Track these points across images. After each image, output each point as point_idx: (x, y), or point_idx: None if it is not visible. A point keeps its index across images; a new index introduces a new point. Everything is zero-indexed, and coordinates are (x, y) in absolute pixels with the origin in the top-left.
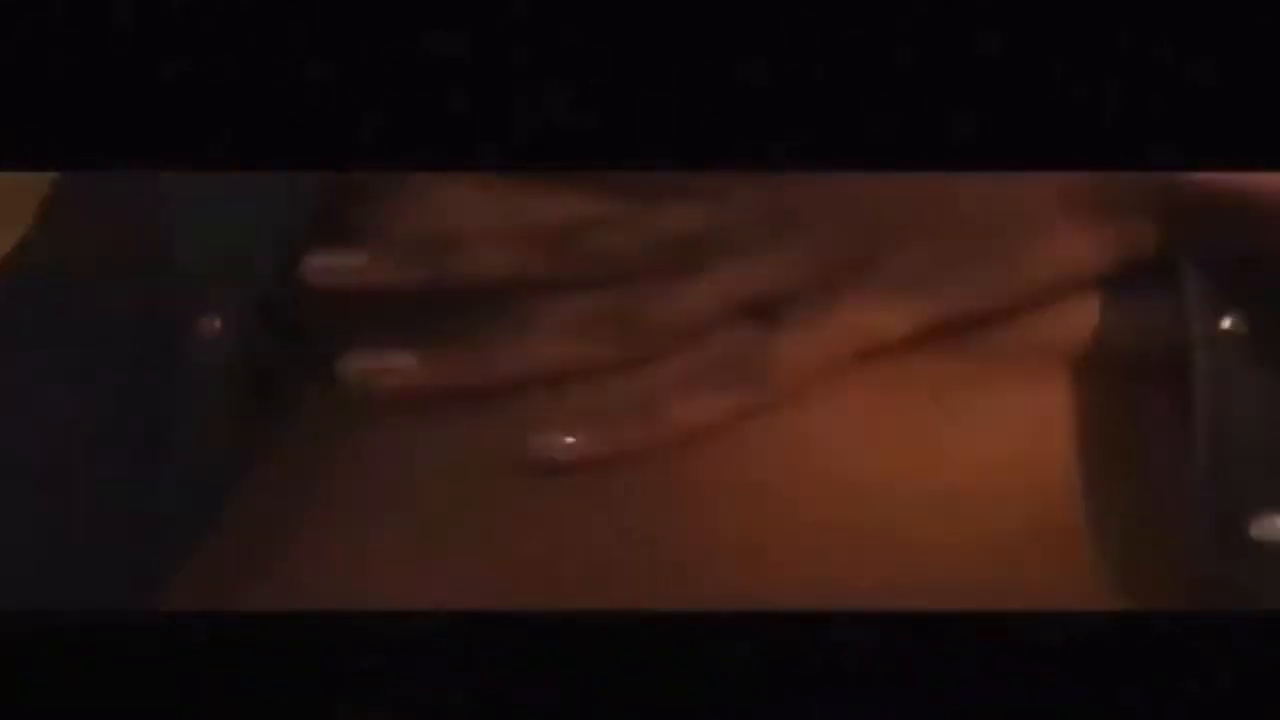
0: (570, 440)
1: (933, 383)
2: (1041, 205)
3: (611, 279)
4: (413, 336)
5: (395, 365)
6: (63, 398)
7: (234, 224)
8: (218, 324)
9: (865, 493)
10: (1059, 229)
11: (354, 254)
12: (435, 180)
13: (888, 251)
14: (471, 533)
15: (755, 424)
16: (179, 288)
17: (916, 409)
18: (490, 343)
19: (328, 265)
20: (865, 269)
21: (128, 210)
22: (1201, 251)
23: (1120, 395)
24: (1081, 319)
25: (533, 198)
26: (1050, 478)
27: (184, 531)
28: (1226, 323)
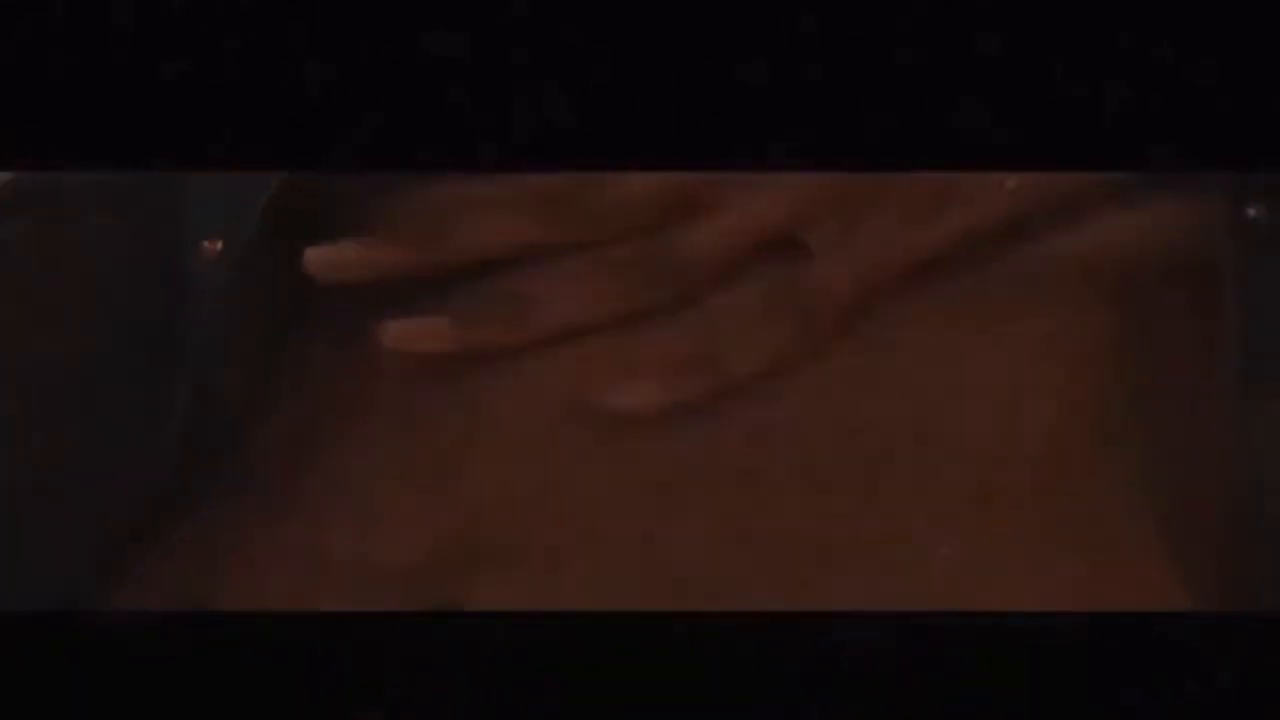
0: (638, 392)
1: (960, 306)
2: None
3: (625, 231)
4: (438, 301)
5: (429, 330)
6: (69, 324)
7: None
8: (219, 245)
9: (919, 423)
10: None
11: (353, 244)
12: None
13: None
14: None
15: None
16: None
17: (949, 333)
18: (518, 303)
19: (329, 258)
20: (883, 186)
21: None
22: None
23: (1148, 299)
24: (1104, 224)
25: None
26: (1081, 394)
27: (192, 466)
28: (1251, 211)
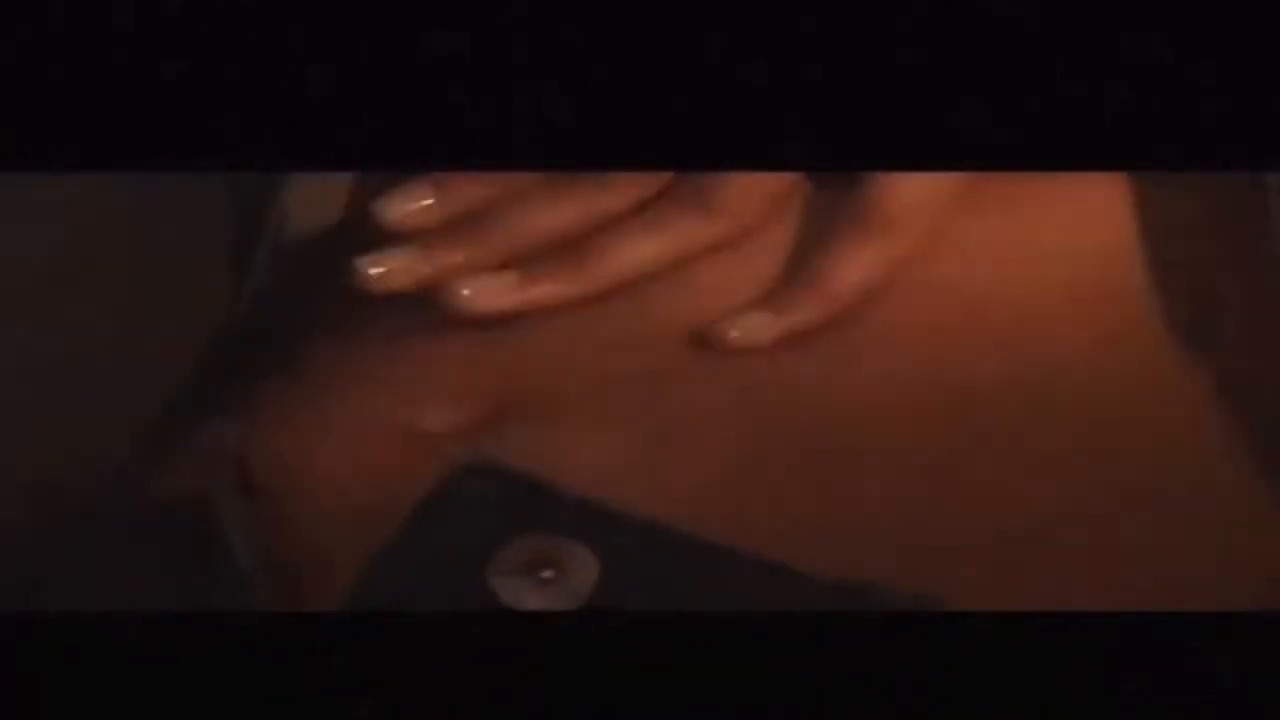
0: (752, 320)
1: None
2: None
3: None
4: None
5: (497, 284)
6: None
7: None
8: None
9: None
10: None
11: (411, 250)
12: None
13: None
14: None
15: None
16: None
17: (1002, 224)
18: (577, 251)
19: (388, 269)
20: None
21: None
22: None
23: (1191, 196)
24: None
25: None
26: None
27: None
28: None
